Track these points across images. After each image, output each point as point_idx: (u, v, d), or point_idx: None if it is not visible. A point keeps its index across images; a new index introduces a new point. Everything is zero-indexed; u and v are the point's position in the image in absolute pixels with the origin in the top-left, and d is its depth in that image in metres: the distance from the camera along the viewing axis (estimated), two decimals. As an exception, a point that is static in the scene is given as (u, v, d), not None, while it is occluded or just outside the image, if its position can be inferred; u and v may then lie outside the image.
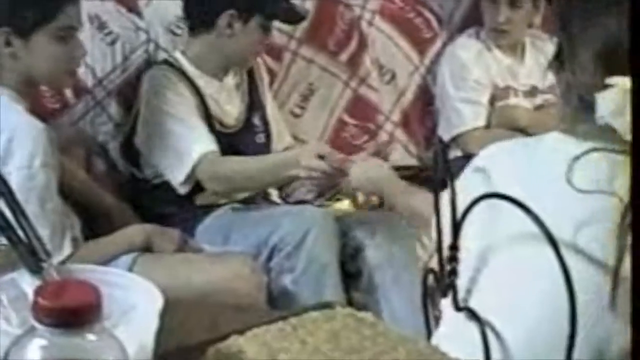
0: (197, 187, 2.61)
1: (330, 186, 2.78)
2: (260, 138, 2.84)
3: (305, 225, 2.45)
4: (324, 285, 2.43)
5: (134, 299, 1.10)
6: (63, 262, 2.03)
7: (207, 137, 2.60)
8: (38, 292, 0.75)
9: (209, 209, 2.66)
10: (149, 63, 2.85)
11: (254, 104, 2.84)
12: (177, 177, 2.58)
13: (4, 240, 1.14)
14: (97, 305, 0.76)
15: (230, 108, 2.78)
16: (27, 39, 2.19)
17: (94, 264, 2.12)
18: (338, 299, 2.38)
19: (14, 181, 2.05)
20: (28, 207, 2.00)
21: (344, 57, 3.25)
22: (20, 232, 1.14)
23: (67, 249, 2.17)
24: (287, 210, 2.67)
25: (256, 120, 2.83)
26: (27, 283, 1.09)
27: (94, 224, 2.46)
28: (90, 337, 0.79)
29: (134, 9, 2.92)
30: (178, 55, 2.76)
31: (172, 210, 2.65)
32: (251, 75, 2.86)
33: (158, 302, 1.07)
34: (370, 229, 2.58)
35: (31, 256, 1.11)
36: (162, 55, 2.88)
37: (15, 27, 2.18)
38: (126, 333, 0.87)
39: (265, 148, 2.83)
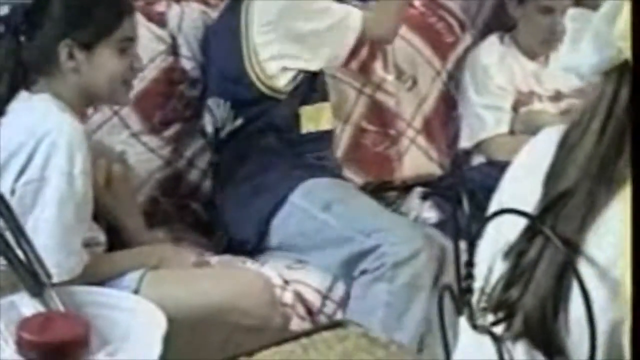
0: None
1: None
2: None
3: (420, 243, 2.42)
4: (413, 304, 2.39)
5: (136, 322, 1.06)
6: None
7: None
8: (22, 325, 0.71)
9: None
10: None
11: None
12: None
13: (4, 261, 1.11)
14: (84, 341, 0.72)
15: None
16: (90, 52, 2.12)
17: (104, 277, 2.14)
18: (422, 318, 2.39)
19: (54, 187, 2.02)
20: (64, 215, 2.02)
21: (354, 65, 3.14)
22: (20, 253, 1.10)
23: (82, 264, 2.09)
24: (404, 219, 2.63)
25: None
26: (27, 306, 1.05)
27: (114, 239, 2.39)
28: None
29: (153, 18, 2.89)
30: None
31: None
32: None
33: (161, 326, 1.03)
34: None
35: (32, 278, 1.08)
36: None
37: (78, 40, 2.11)
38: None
39: None
